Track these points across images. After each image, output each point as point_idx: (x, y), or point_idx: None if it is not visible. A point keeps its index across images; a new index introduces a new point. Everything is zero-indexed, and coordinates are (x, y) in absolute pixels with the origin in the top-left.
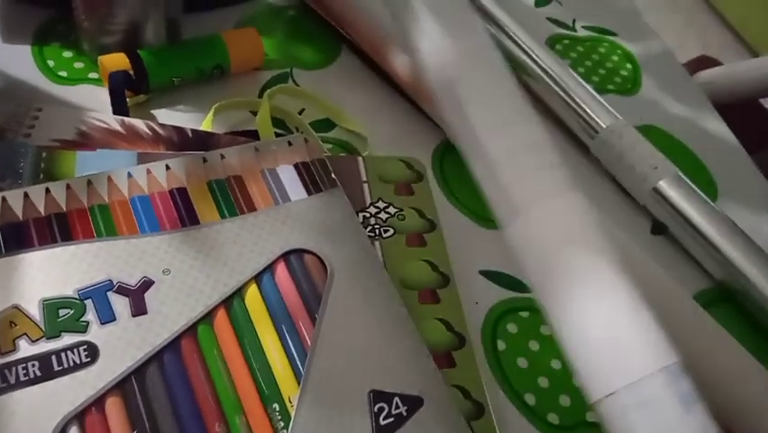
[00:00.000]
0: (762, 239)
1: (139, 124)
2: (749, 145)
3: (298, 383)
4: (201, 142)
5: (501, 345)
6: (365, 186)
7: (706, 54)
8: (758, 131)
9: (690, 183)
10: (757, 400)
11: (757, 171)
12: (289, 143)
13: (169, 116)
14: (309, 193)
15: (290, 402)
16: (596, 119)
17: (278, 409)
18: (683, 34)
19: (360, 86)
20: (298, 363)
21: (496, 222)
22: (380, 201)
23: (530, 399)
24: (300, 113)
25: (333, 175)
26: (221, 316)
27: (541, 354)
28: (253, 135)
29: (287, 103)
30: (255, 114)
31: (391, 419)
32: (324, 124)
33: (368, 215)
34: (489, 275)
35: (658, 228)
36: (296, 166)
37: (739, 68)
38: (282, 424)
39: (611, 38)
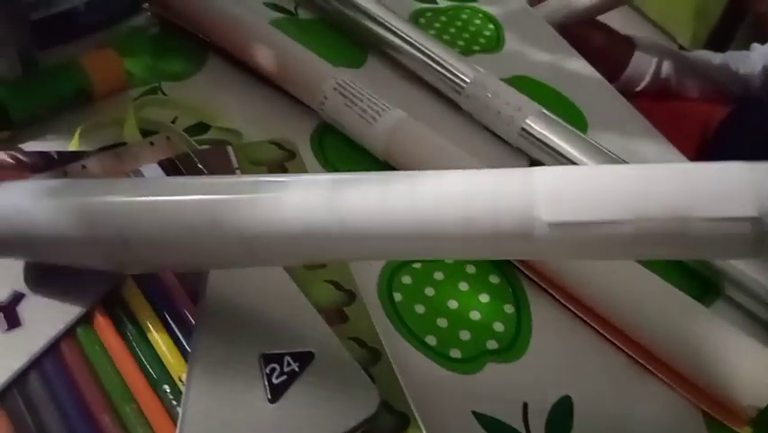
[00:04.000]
0: (633, 159)
1: (1, 155)
2: (610, 73)
3: (187, 362)
4: (67, 162)
5: (398, 297)
6: (237, 172)
7: None
8: (615, 59)
9: (555, 117)
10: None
11: (622, 99)
12: (151, 144)
13: (38, 148)
14: None
15: (181, 381)
16: (460, 76)
17: (168, 389)
18: None
19: (230, 86)
20: (184, 343)
21: None
22: None
23: (431, 340)
24: (173, 122)
25: (199, 165)
26: (100, 314)
27: (437, 298)
28: None
29: (158, 115)
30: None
31: (284, 377)
32: (199, 128)
33: None
34: None
35: (535, 165)
36: (160, 164)
37: None
38: (175, 403)
39: (471, 4)
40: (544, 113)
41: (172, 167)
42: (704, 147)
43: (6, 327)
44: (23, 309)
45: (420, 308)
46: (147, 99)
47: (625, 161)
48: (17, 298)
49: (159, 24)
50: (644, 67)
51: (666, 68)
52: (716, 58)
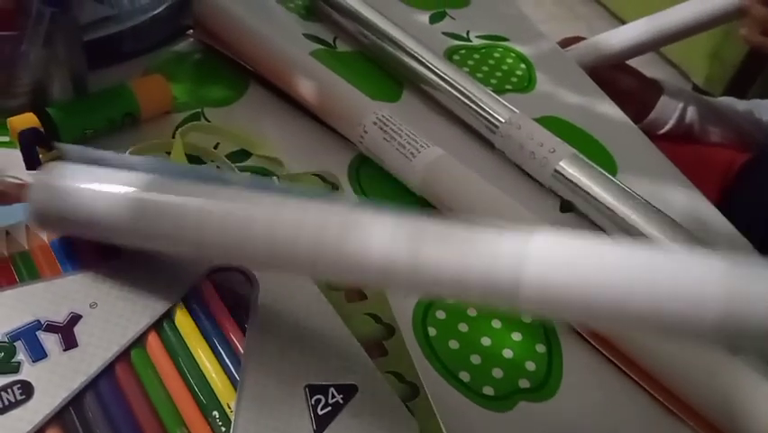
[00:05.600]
0: (661, 204)
1: None
2: (635, 115)
3: (235, 389)
4: None
5: (432, 332)
6: None
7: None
8: (641, 102)
9: (588, 161)
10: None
11: (650, 144)
12: None
13: None
14: None
15: (229, 408)
16: (495, 115)
17: (217, 415)
18: None
19: (270, 114)
20: (233, 370)
21: None
22: None
23: (465, 376)
24: (215, 148)
25: None
26: (152, 338)
27: (470, 334)
28: None
29: (201, 140)
30: (170, 154)
31: (329, 409)
32: (240, 155)
33: None
34: None
35: (567, 206)
36: None
37: (601, 38)
38: (224, 429)
39: (504, 43)
40: (577, 155)
41: None
42: (725, 192)
43: (64, 348)
44: (80, 331)
45: (454, 344)
46: (193, 125)
47: (654, 207)
48: (74, 319)
49: (202, 51)
50: (669, 112)
51: (691, 113)
52: (740, 105)
